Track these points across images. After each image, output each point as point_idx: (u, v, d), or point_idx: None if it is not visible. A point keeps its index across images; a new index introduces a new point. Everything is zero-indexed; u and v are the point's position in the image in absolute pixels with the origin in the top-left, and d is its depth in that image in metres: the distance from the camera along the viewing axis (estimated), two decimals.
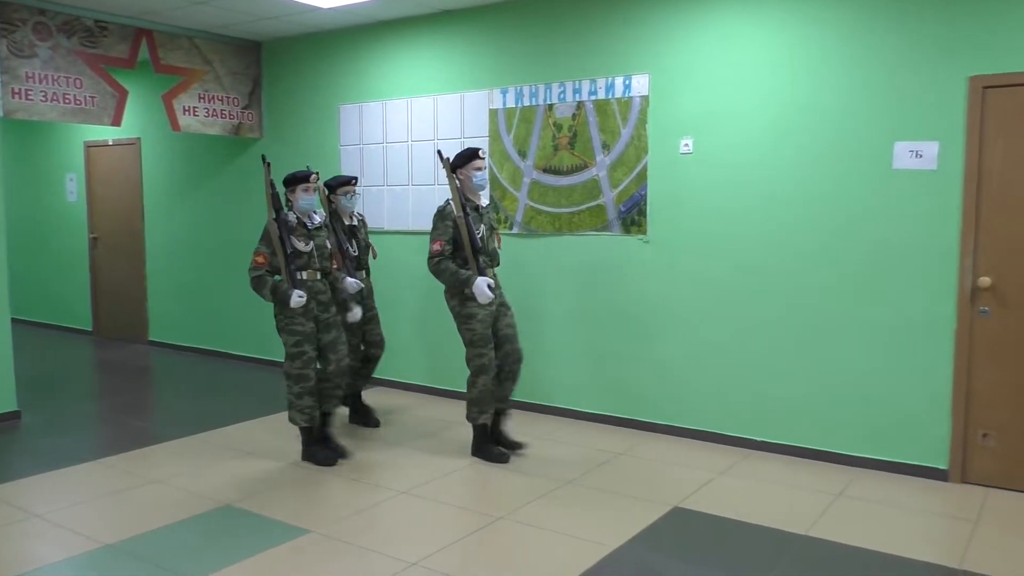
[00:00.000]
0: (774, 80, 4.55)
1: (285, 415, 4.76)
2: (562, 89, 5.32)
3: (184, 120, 6.44)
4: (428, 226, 4.54)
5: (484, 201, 4.63)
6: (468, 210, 4.39)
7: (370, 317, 5.24)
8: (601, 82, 5.16)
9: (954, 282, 4.11)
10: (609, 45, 5.11)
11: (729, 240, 4.73)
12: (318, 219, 4.59)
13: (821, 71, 4.41)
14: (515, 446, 4.66)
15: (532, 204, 5.50)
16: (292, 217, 4.44)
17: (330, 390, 4.55)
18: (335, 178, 5.23)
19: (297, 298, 4.28)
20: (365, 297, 5.19)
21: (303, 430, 4.54)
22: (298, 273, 4.39)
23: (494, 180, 5.62)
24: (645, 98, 4.99)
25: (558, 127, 5.35)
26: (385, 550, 3.36)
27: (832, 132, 4.39)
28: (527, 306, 5.48)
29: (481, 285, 4.33)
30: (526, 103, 5.47)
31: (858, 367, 4.40)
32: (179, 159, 7.69)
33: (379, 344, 5.33)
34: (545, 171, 5.43)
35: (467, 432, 4.71)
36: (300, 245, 4.41)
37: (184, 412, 5.71)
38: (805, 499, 3.94)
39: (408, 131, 6.08)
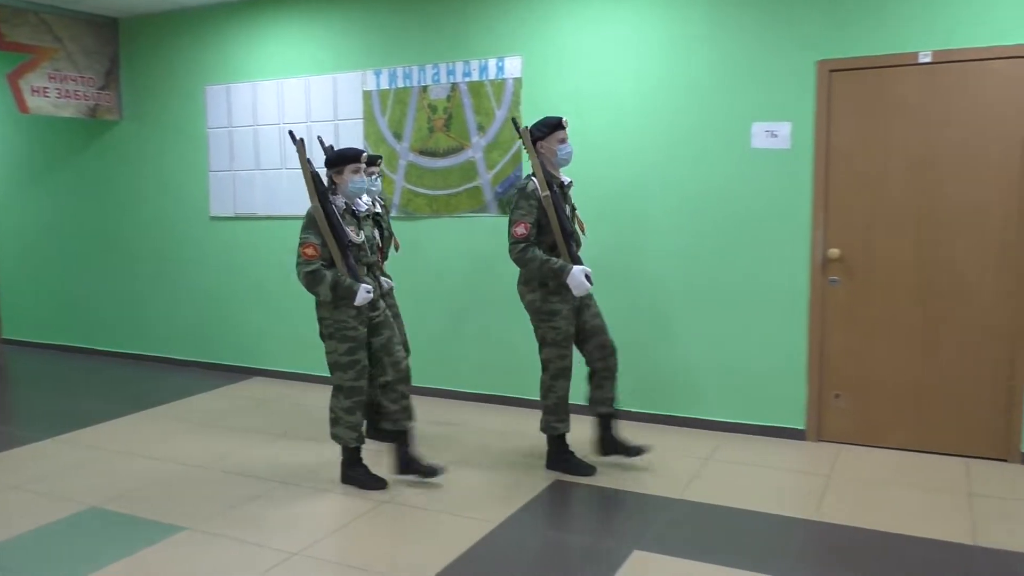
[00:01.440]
0: (641, 62, 4.70)
1: (158, 410, 4.58)
2: (436, 71, 5.30)
3: (33, 101, 6.03)
4: (301, 212, 4.39)
5: (566, 178, 4.04)
6: (554, 188, 3.87)
7: (393, 316, 4.51)
8: (475, 64, 5.18)
9: (807, 254, 4.40)
10: (482, 27, 5.13)
11: (600, 218, 4.86)
12: (364, 205, 3.99)
13: (685, 54, 4.59)
14: (637, 451, 4.04)
15: (409, 187, 5.48)
16: (341, 202, 3.79)
17: (397, 401, 3.85)
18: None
19: (365, 293, 3.65)
20: (385, 295, 4.37)
21: (348, 450, 3.91)
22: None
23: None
24: (518, 80, 5.05)
25: (433, 109, 5.34)
26: (268, 542, 3.31)
27: (696, 113, 4.58)
28: (411, 290, 5.48)
29: (579, 275, 3.80)
30: (400, 85, 5.42)
31: (720, 337, 4.64)
32: (31, 143, 7.19)
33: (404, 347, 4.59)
34: (421, 153, 5.41)
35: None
36: (353, 235, 3.76)
37: (45, 413, 5.38)
38: (677, 464, 4.13)
39: (280, 113, 5.91)
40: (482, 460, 4.28)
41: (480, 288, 5.31)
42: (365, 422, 4.01)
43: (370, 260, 3.89)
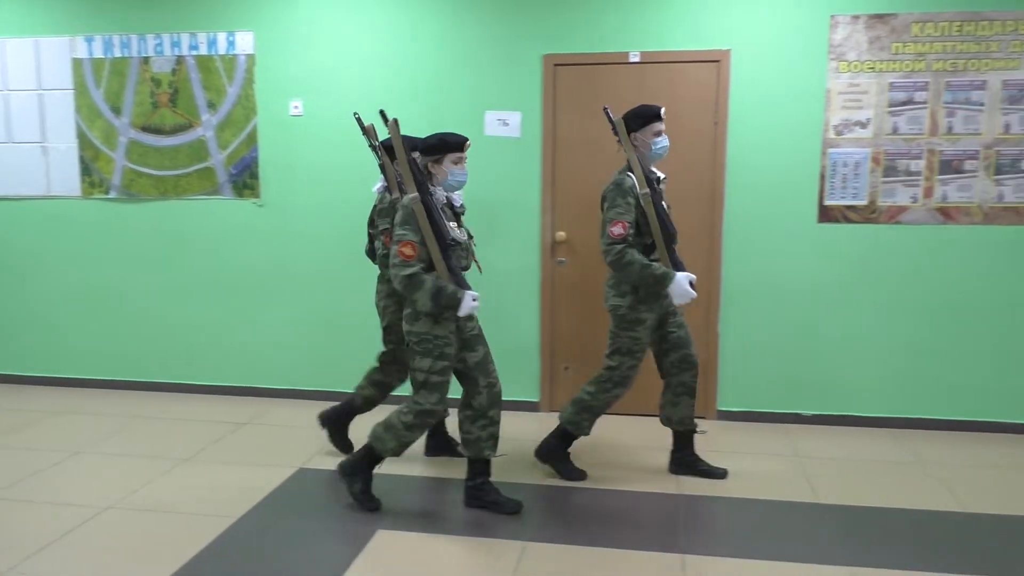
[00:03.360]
0: (377, 47, 4.71)
1: None
2: (159, 41, 4.93)
3: None
4: (20, 191, 3.90)
5: (660, 173, 3.68)
6: (653, 185, 3.53)
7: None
8: (202, 37, 4.88)
9: (537, 236, 4.68)
10: None
11: (343, 203, 4.83)
12: (460, 199, 3.46)
13: (421, 40, 4.67)
14: (722, 474, 3.78)
15: (131, 166, 5.06)
16: (441, 195, 3.28)
17: (486, 428, 3.38)
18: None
19: (471, 302, 3.14)
20: None
21: (373, 456, 3.41)
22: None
23: (83, 138, 5.06)
24: (251, 56, 4.84)
25: (157, 82, 4.96)
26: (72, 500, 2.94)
27: (433, 99, 4.68)
28: (130, 278, 5.10)
29: (683, 283, 3.45)
30: (117, 54, 4.98)
31: None
32: None
33: None
34: (144, 130, 5.02)
35: None
36: (457, 233, 3.26)
37: None
38: (417, 443, 4.23)
39: None
40: (221, 455, 4.11)
41: (214, 274, 5.05)
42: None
43: (466, 264, 3.35)
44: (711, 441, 4.24)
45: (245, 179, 4.94)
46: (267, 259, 4.98)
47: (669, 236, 3.54)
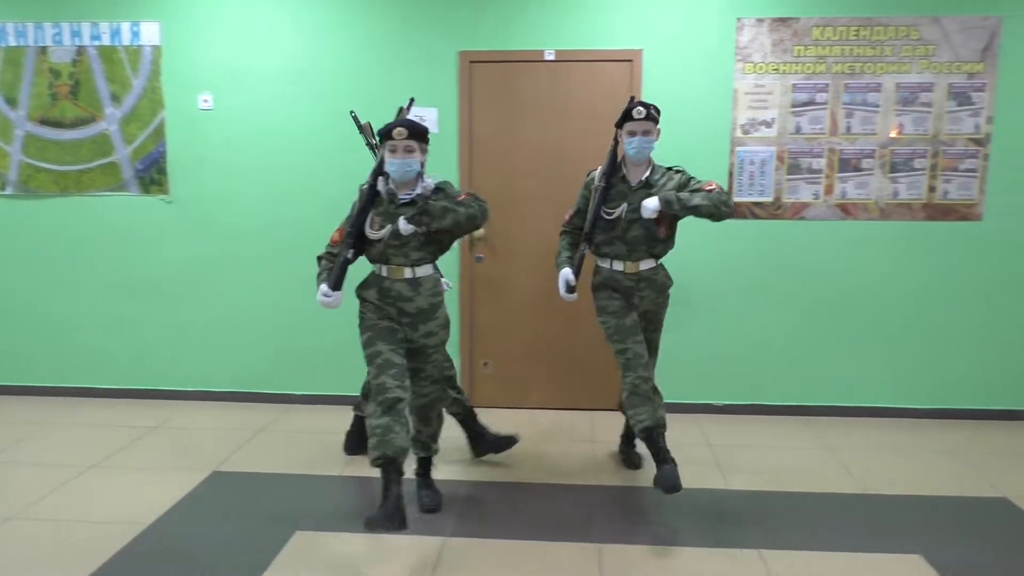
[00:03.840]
0: (291, 41, 4.62)
1: None
2: (57, 30, 4.72)
3: None
4: None
5: (642, 177, 3.56)
6: (610, 180, 3.51)
7: None
8: (105, 26, 4.70)
9: None
10: None
11: (256, 199, 4.74)
12: (414, 192, 3.20)
13: (335, 34, 4.60)
14: (636, 462, 3.97)
15: (29, 160, 4.83)
16: (381, 186, 3.21)
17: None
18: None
19: (318, 296, 3.17)
20: None
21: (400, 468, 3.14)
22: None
23: None
24: (157, 48, 4.68)
25: (56, 73, 4.75)
26: None
27: (348, 94, 4.62)
28: (29, 279, 4.87)
29: (560, 279, 3.56)
30: (12, 43, 4.74)
31: None
32: None
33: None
34: (43, 123, 4.79)
35: None
36: (371, 230, 3.20)
37: None
38: (340, 443, 4.18)
39: None
40: (129, 461, 3.97)
41: (120, 274, 4.87)
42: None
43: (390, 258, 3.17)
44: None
45: (152, 175, 4.78)
46: (176, 257, 4.83)
47: (591, 231, 3.47)
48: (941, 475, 3.83)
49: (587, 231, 3.47)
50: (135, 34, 4.69)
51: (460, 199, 3.15)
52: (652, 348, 3.64)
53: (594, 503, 3.51)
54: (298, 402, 4.88)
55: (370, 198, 3.14)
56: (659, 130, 3.46)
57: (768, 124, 4.52)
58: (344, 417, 4.33)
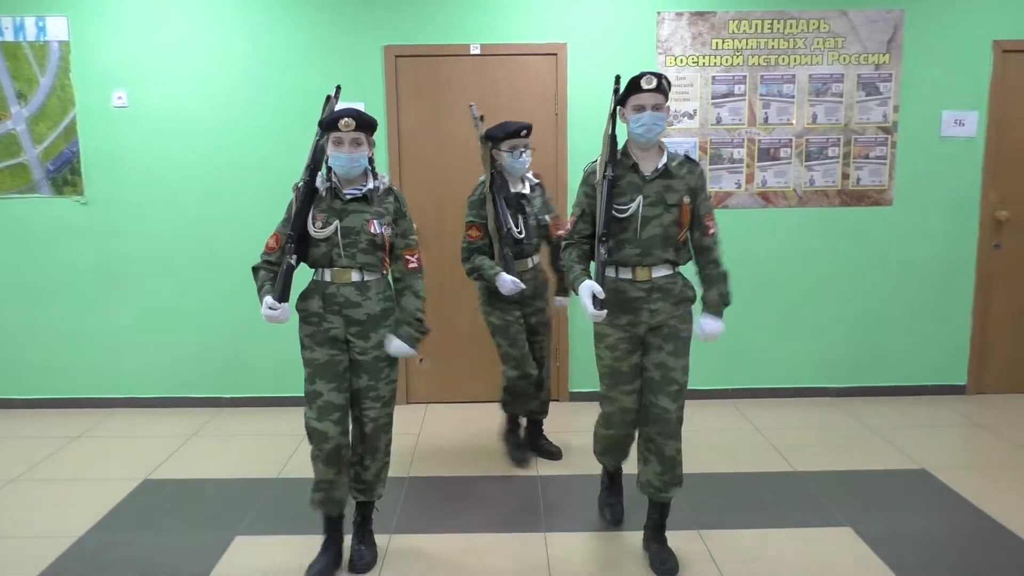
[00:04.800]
0: (206, 34, 4.50)
1: None
2: None
3: None
4: None
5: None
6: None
7: (535, 325, 3.84)
8: (7, 21, 4.48)
9: None
10: None
11: (177, 197, 4.60)
12: (360, 190, 2.83)
13: (257, 28, 4.51)
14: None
15: None
16: (320, 182, 2.83)
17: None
18: (500, 126, 3.63)
19: (263, 309, 2.73)
20: (529, 298, 3.77)
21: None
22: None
23: None
24: (65, 44, 4.49)
25: None
26: None
27: (270, 90, 4.53)
28: None
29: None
30: None
31: None
32: None
33: (542, 362, 3.89)
34: None
35: None
36: (315, 228, 2.77)
37: None
38: (274, 445, 4.12)
39: None
40: (55, 472, 3.82)
41: (34, 279, 4.67)
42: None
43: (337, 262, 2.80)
44: (566, 422, 4.40)
45: (65, 175, 4.59)
46: (95, 260, 4.66)
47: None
48: (863, 450, 4.02)
49: (601, 233, 2.79)
50: (41, 29, 4.48)
51: (411, 265, 2.94)
52: (668, 380, 2.85)
53: (536, 493, 3.55)
54: (228, 405, 4.77)
55: (308, 196, 2.78)
56: (669, 106, 3.12)
57: (691, 115, 4.64)
58: (276, 418, 4.26)
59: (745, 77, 4.62)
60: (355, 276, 2.81)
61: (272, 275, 2.79)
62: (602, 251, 2.76)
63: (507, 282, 3.52)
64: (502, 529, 3.19)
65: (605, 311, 2.74)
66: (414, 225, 3.00)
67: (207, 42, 4.51)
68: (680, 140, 4.63)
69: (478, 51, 4.54)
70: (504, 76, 4.58)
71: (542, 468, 3.82)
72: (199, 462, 3.92)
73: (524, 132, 3.63)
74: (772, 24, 4.59)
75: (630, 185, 2.81)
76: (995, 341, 4.88)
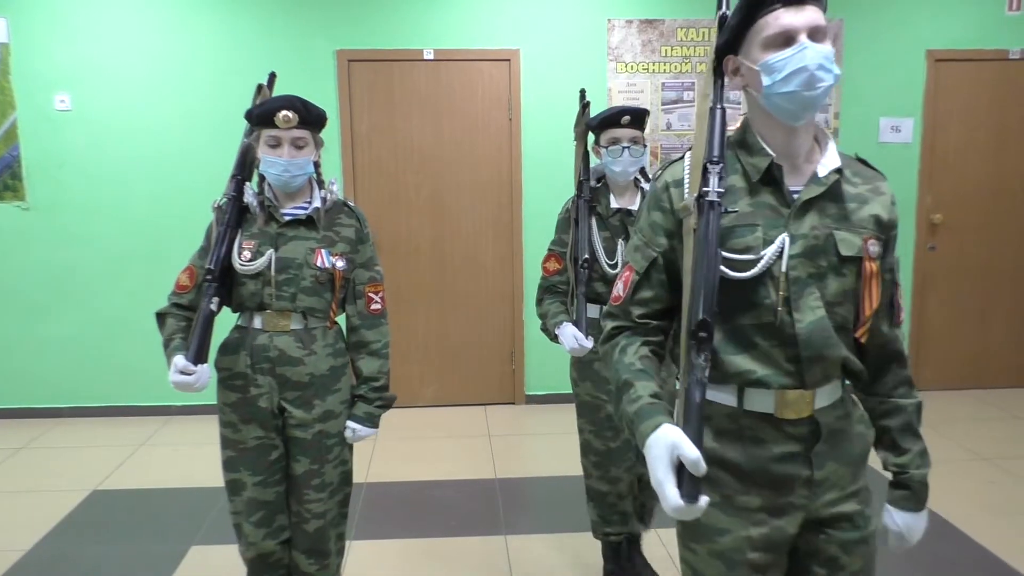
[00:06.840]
0: (152, 36, 4.44)
1: None
2: None
3: None
4: None
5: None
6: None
7: None
8: None
9: None
10: None
11: (123, 202, 4.52)
12: (321, 201, 2.17)
13: (207, 31, 4.45)
14: None
15: None
16: (250, 197, 2.18)
17: None
18: (600, 115, 2.60)
19: (172, 374, 2.08)
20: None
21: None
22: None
23: None
24: (5, 46, 4.37)
25: None
26: None
27: (222, 95, 4.47)
28: None
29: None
30: None
31: None
32: None
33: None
34: None
35: None
36: (241, 261, 2.10)
37: None
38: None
39: None
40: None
41: None
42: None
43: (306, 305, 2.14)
44: (522, 424, 4.44)
45: (6, 180, 4.46)
46: (38, 267, 4.53)
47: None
48: None
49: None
50: None
51: (374, 307, 2.29)
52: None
53: (495, 496, 3.58)
54: (177, 413, 4.68)
55: (234, 217, 2.13)
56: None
57: None
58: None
59: (694, 83, 4.73)
60: (295, 323, 2.11)
61: (184, 324, 2.13)
62: (699, 359, 1.26)
63: (568, 338, 2.47)
64: (462, 532, 3.21)
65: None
66: (377, 255, 2.28)
67: (153, 45, 4.44)
68: None
69: (431, 56, 4.55)
70: (458, 81, 4.60)
71: (501, 470, 3.85)
72: (150, 472, 3.86)
73: (626, 119, 2.50)
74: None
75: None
76: (931, 340, 5.07)
